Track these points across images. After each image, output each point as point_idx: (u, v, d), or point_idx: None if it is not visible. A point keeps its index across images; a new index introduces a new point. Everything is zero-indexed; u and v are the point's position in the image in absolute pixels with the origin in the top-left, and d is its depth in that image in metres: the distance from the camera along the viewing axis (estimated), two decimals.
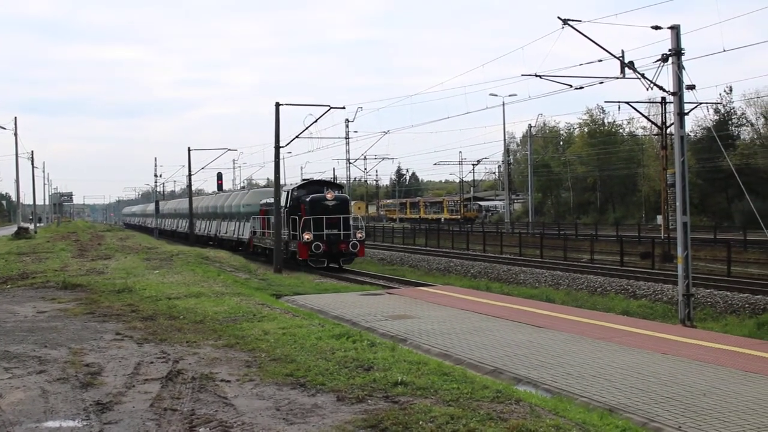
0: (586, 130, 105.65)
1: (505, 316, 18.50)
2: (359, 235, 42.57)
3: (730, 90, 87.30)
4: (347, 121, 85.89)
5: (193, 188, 77.09)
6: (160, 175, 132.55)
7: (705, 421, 9.34)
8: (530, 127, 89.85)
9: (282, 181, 43.74)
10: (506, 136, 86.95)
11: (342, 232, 41.74)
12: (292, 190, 44.44)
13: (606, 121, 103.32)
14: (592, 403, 10.30)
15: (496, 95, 70.20)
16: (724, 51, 32.90)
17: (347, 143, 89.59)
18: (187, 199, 76.01)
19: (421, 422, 8.45)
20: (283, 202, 43.44)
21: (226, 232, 64.38)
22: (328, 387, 10.30)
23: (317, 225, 41.35)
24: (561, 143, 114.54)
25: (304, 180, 52.38)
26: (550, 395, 10.88)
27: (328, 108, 41.77)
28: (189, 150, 72.33)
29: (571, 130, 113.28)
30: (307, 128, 42.78)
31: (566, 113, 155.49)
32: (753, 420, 9.32)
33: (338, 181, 75.52)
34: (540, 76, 29.06)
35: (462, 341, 15.31)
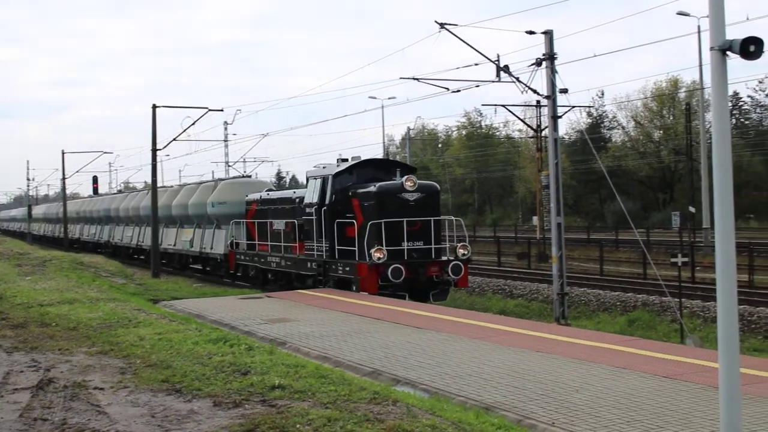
0: (464, 132, 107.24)
1: (384, 317, 18.57)
2: (461, 250, 25.25)
3: (602, 94, 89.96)
4: (226, 123, 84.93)
5: (68, 192, 75.07)
6: (33, 179, 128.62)
7: (577, 417, 9.55)
8: (409, 129, 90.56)
9: (159, 184, 42.51)
10: (385, 138, 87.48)
11: (433, 247, 24.95)
12: (331, 176, 26.82)
13: (483, 123, 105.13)
14: (468, 402, 10.42)
15: (375, 98, 70.70)
16: (595, 56, 33.81)
17: (226, 146, 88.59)
18: (75, 201, 73.73)
19: (298, 425, 8.41)
20: (312, 195, 27.56)
21: (122, 239, 54.31)
22: (205, 392, 10.17)
23: (393, 235, 24.44)
24: (440, 145, 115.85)
25: (344, 160, 28.74)
26: (428, 395, 10.96)
27: (207, 110, 41.33)
28: (63, 153, 70.49)
29: (450, 132, 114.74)
30: (185, 131, 42.15)
31: (445, 116, 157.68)
32: (622, 414, 9.58)
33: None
34: (418, 79, 29.41)
35: (341, 343, 15.30)
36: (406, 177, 25.11)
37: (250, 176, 41.58)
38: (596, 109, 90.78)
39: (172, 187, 49.82)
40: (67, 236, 68.93)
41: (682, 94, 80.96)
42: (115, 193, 71.56)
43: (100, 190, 74.26)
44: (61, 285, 25.49)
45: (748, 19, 28.31)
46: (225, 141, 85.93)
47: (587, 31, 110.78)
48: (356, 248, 25.10)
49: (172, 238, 45.21)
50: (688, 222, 59.16)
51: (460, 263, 24.67)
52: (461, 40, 26.56)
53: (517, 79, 26.83)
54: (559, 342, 14.66)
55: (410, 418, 8.67)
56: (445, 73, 60.73)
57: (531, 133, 49.78)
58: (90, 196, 73.66)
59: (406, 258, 24.26)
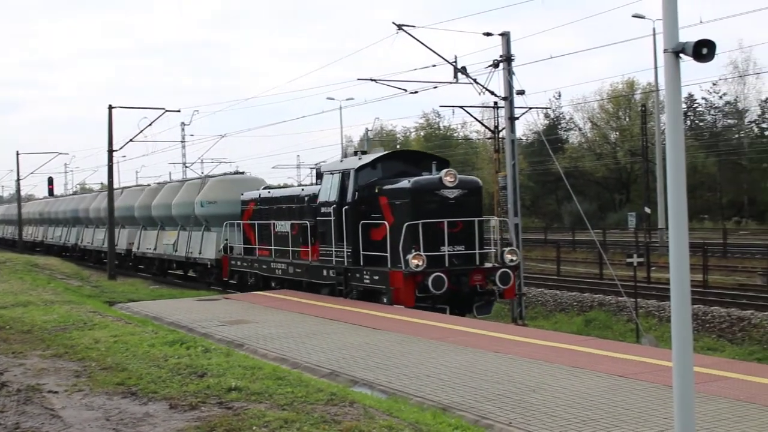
0: (422, 133, 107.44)
1: (342, 318, 18.57)
2: (510, 256, 22.35)
3: (559, 96, 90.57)
4: (183, 124, 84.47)
5: (23, 194, 74.16)
6: None
7: (534, 416, 9.61)
8: (367, 130, 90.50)
9: (116, 185, 42.00)
10: (344, 139, 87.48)
11: (477, 252, 22.02)
12: (353, 171, 23.34)
13: (441, 124, 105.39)
14: (426, 403, 10.44)
15: (333, 99, 70.56)
16: (552, 57, 34.15)
17: (183, 147, 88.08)
18: (38, 202, 72.67)
19: (254, 427, 8.38)
20: (328, 193, 24.07)
21: (92, 242, 50.11)
22: (161, 395, 10.09)
23: (431, 238, 21.22)
24: (398, 146, 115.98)
25: (363, 152, 26.20)
26: (386, 396, 10.97)
27: (163, 111, 41.05)
28: (18, 154, 69.63)
29: (408, 133, 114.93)
30: (141, 131, 41.81)
31: (403, 117, 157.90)
32: (578, 413, 9.65)
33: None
34: (375, 80, 29.44)
35: (299, 345, 15.27)
36: (445, 171, 21.71)
37: (243, 172, 37.73)
38: (553, 111, 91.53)
39: (149, 185, 45.63)
40: (21, 238, 67.93)
41: (637, 96, 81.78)
42: (84, 193, 69.23)
43: (56, 192, 73.36)
44: (15, 287, 25.19)
45: (701, 22, 28.62)
46: (182, 142, 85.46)
47: (545, 32, 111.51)
48: (388, 254, 21.39)
49: (151, 242, 40.56)
50: (643, 222, 59.79)
51: (509, 271, 21.66)
52: (418, 41, 26.66)
53: (475, 80, 26.99)
54: (516, 342, 14.74)
55: (367, 419, 8.67)
56: (403, 74, 60.82)
57: (489, 134, 49.98)
58: (46, 197, 72.63)
59: (447, 265, 21.15)
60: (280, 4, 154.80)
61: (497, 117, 42.56)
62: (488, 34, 27.01)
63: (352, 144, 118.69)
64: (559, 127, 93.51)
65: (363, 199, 22.92)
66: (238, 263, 30.52)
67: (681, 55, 6.93)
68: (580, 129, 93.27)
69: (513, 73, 26.49)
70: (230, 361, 12.15)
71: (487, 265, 22.11)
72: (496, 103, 36.78)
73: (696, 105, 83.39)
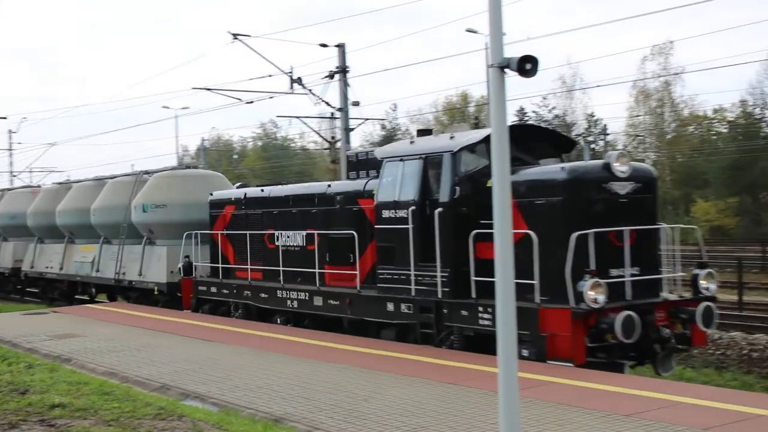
0: (259, 143, 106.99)
1: (175, 330, 18.25)
2: (707, 283, 14.75)
3: (395, 107, 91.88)
4: (11, 132, 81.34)
5: None
6: None
7: (365, 426, 9.67)
8: (203, 140, 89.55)
9: None
10: (180, 149, 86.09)
11: (664, 276, 14.93)
12: (450, 155, 15.52)
13: (279, 135, 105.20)
14: (258, 415, 10.35)
15: (169, 107, 69.25)
16: (386, 70, 34.65)
17: (11, 155, 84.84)
18: None
19: None
20: (397, 189, 16.48)
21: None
22: None
23: (602, 256, 13.53)
24: (235, 156, 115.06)
25: (428, 131, 18.72)
26: (218, 409, 10.84)
27: None
28: None
29: (245, 143, 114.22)
30: None
31: (240, 126, 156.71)
32: (409, 421, 9.77)
33: None
34: (211, 90, 29.19)
35: (130, 358, 14.92)
36: (616, 153, 14.39)
37: (194, 166, 30.34)
38: (389, 122, 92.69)
39: (42, 185, 36.74)
40: None
41: (471, 109, 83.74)
42: None
43: None
44: None
45: (528, 39, 29.62)
46: (9, 150, 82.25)
47: (382, 44, 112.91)
48: (536, 280, 13.54)
49: (54, 258, 31.37)
50: None
51: (710, 305, 14.30)
52: (254, 51, 26.57)
53: (310, 91, 27.11)
54: (349, 352, 14.80)
55: None
56: (240, 84, 60.41)
57: (326, 144, 50.17)
58: None
59: (630, 297, 13.91)
60: (118, 11, 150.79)
61: (333, 128, 42.78)
62: (324, 45, 27.18)
63: (189, 153, 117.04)
64: (396, 138, 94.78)
65: (466, 198, 15.32)
66: (212, 289, 21.85)
67: (506, 69, 7.15)
68: None
69: (348, 85, 26.76)
70: (55, 376, 11.75)
71: (671, 296, 14.75)
72: (332, 113, 36.98)
73: (526, 118, 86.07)
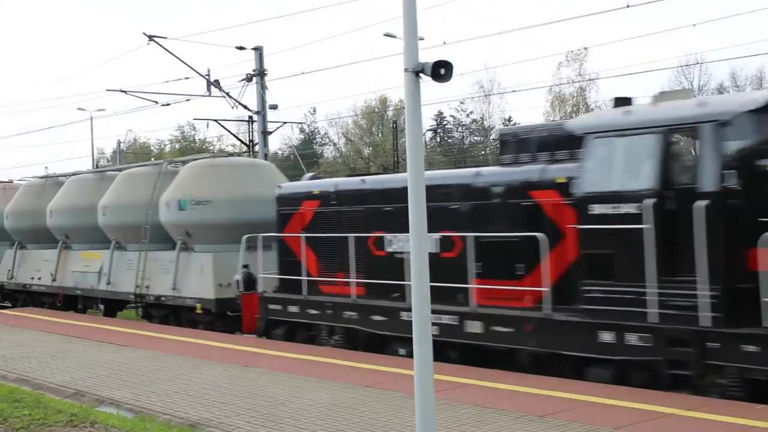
0: (177, 146, 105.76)
1: (89, 336, 17.98)
2: None
3: (314, 111, 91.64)
4: None
5: None
6: None
7: (282, 429, 9.66)
8: (119, 142, 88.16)
9: None
10: (95, 151, 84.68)
11: None
12: (714, 126, 10.94)
13: (197, 137, 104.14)
14: (174, 420, 10.26)
15: (84, 109, 68.00)
16: (303, 73, 34.60)
17: None
18: None
19: None
20: (619, 175, 11.97)
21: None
22: None
23: None
24: (152, 159, 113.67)
25: (624, 100, 12.98)
26: (133, 415, 10.71)
27: None
28: None
29: (163, 146, 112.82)
30: None
31: (157, 129, 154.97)
32: (325, 424, 9.79)
33: None
34: (126, 92, 28.83)
35: (42, 365, 14.64)
36: None
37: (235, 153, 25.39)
38: (308, 126, 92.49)
39: (23, 181, 30.91)
40: None
41: (390, 113, 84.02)
42: None
43: None
44: None
45: (444, 43, 29.83)
46: None
47: (303, 47, 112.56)
48: None
49: (43, 267, 26.22)
50: None
51: None
52: (170, 53, 26.30)
53: (227, 93, 26.97)
54: (264, 356, 14.76)
55: None
56: (156, 86, 59.71)
57: (244, 147, 49.85)
58: None
59: None
60: (36, 9, 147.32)
61: (251, 131, 42.55)
62: (241, 48, 27.05)
63: (105, 155, 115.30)
64: (315, 141, 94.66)
65: (742, 187, 10.93)
66: (291, 308, 17.06)
67: (421, 74, 7.22)
68: (334, 144, 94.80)
69: (266, 88, 26.70)
70: None
71: None
72: (251, 117, 36.81)
73: (445, 122, 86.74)
